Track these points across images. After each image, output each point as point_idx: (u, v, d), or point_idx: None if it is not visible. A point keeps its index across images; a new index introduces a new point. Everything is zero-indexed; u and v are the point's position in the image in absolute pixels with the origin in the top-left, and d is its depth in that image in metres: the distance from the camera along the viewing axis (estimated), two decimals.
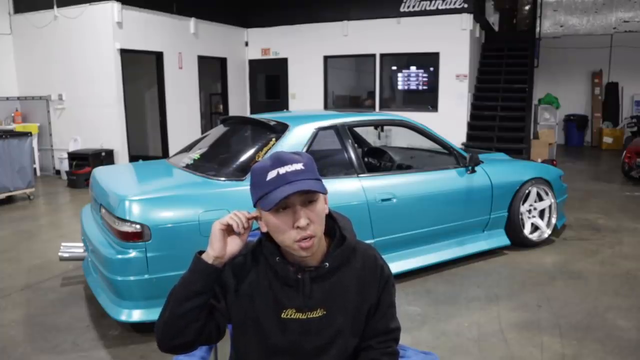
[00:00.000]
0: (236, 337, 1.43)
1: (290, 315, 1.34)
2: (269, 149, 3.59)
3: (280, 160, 1.24)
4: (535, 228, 4.84)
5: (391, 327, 1.44)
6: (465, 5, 9.69)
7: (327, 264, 1.33)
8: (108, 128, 8.55)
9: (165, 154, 9.18)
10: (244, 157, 3.71)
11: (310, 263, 1.33)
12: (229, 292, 1.36)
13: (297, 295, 1.33)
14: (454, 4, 9.74)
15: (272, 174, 1.22)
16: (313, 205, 1.25)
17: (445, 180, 4.23)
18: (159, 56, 9.25)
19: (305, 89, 11.25)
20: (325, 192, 1.26)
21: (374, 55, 10.63)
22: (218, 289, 1.35)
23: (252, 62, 11.80)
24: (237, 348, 1.45)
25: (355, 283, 1.38)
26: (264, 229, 1.31)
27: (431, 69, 10.35)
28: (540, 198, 4.82)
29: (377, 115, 6.25)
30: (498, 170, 4.59)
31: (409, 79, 10.76)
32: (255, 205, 1.30)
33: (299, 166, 1.23)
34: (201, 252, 1.31)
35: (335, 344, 1.37)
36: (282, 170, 1.21)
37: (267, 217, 1.26)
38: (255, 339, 1.37)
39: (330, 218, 1.37)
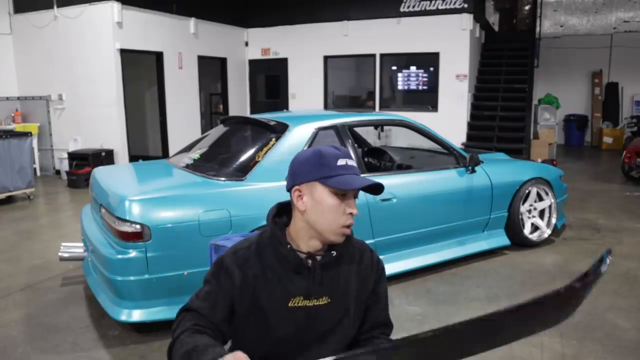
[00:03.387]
0: (238, 330, 1.43)
1: (298, 303, 1.37)
2: (269, 149, 3.59)
3: (346, 153, 1.38)
4: (535, 228, 4.84)
5: (389, 319, 1.53)
6: (465, 5, 9.69)
7: (334, 252, 1.39)
8: (108, 128, 8.55)
9: (165, 154, 9.18)
10: (244, 157, 3.71)
11: (318, 252, 1.40)
12: (234, 287, 1.37)
13: (306, 282, 1.37)
14: (454, 4, 9.74)
15: (342, 162, 1.34)
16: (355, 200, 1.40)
17: (445, 180, 4.23)
18: (159, 56, 9.25)
19: (305, 89, 11.25)
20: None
21: (374, 55, 10.63)
22: (228, 287, 1.39)
23: (252, 62, 11.79)
24: (238, 340, 1.46)
25: (355, 273, 1.44)
26: (303, 208, 1.35)
27: (431, 69, 10.35)
28: (540, 198, 4.82)
29: (377, 115, 6.25)
30: (498, 170, 4.59)
31: (409, 79, 10.76)
32: (304, 181, 1.34)
33: (355, 164, 1.39)
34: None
35: (338, 331, 1.41)
36: (350, 162, 1.36)
37: (325, 197, 1.33)
38: (259, 330, 1.38)
39: None
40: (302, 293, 1.37)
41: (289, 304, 1.36)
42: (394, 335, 1.96)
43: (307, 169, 1.35)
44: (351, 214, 1.34)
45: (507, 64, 11.03)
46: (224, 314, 1.37)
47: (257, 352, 1.39)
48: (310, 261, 1.37)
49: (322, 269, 1.38)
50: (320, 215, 1.34)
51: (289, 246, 1.37)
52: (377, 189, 1.38)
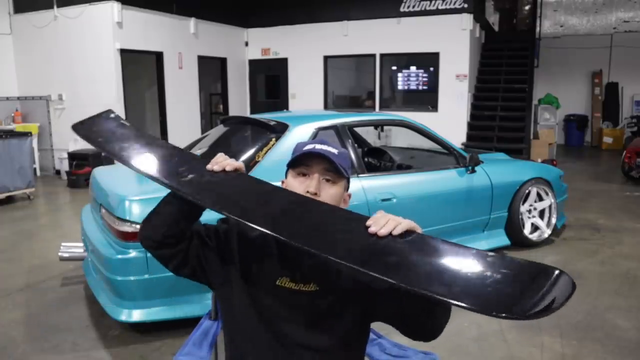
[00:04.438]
0: (229, 299, 1.43)
1: (284, 284, 1.37)
2: (269, 149, 3.58)
3: (322, 141, 1.42)
4: (535, 228, 4.84)
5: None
6: (465, 5, 9.69)
7: None
8: None
9: None
10: (244, 157, 3.70)
11: None
12: (228, 242, 1.42)
13: (293, 265, 1.39)
14: (454, 4, 9.75)
15: (309, 146, 1.39)
16: (330, 185, 1.38)
17: (445, 180, 4.23)
18: (159, 56, 9.26)
19: (305, 89, 11.25)
20: (344, 176, 1.40)
21: (374, 55, 10.64)
22: (222, 236, 1.43)
23: (252, 62, 11.80)
24: (226, 313, 1.46)
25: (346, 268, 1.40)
26: None
27: (431, 69, 10.35)
28: (540, 198, 4.82)
29: (377, 115, 6.25)
30: (498, 170, 4.59)
31: (409, 79, 10.76)
32: (286, 174, 1.44)
33: (334, 150, 1.39)
34: None
35: (325, 322, 1.37)
36: (319, 146, 1.38)
37: (290, 180, 1.40)
38: (244, 298, 1.39)
39: None
40: (288, 274, 1.37)
41: (277, 282, 1.37)
42: (396, 337, 1.96)
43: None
44: (308, 192, 1.35)
45: (507, 64, 11.03)
46: (206, 243, 1.40)
47: (241, 331, 1.40)
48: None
49: (310, 255, 1.33)
50: None
51: None
52: (327, 158, 1.35)
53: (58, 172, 8.94)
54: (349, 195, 1.45)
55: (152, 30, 9.01)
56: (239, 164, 1.36)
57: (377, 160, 4.88)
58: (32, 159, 7.31)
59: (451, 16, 9.80)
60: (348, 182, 1.43)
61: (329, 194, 1.37)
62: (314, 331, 1.37)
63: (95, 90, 8.48)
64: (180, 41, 9.64)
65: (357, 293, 1.38)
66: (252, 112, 11.60)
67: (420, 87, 10.71)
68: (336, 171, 1.37)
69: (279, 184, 1.47)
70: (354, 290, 1.38)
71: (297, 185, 1.37)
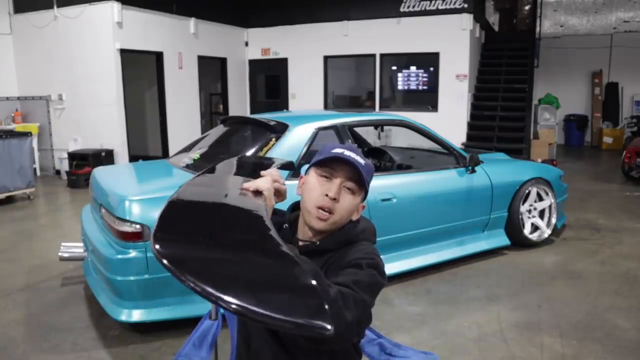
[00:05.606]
0: None
1: None
2: (269, 149, 3.58)
3: (351, 148, 1.40)
4: (535, 228, 4.84)
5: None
6: (465, 5, 9.69)
7: (317, 242, 1.38)
8: (108, 128, 8.55)
9: (165, 154, 9.18)
10: None
11: (309, 239, 1.40)
12: None
13: None
14: (454, 4, 9.75)
15: (338, 150, 1.37)
16: (349, 194, 1.38)
17: (445, 180, 4.23)
18: (159, 56, 9.25)
19: (305, 89, 11.25)
20: (364, 188, 1.39)
21: (374, 55, 10.63)
22: None
23: (252, 62, 11.80)
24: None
25: (329, 264, 1.40)
26: (299, 192, 1.42)
27: (431, 69, 10.35)
28: (540, 198, 4.82)
29: (377, 115, 6.25)
30: (498, 170, 4.59)
31: (409, 79, 10.76)
32: (307, 170, 1.44)
33: (361, 160, 1.38)
34: None
35: None
36: (348, 153, 1.36)
37: (310, 175, 1.40)
38: None
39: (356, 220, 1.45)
40: None
41: None
42: (396, 337, 1.97)
43: (312, 161, 1.44)
44: (327, 195, 1.34)
45: (507, 64, 11.03)
46: None
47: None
48: (297, 244, 1.40)
49: (307, 256, 1.31)
50: (305, 193, 1.39)
51: (285, 226, 1.43)
52: (354, 167, 1.34)
53: (58, 172, 8.94)
54: (363, 207, 1.46)
55: (152, 30, 9.00)
56: (262, 185, 1.29)
57: (377, 160, 4.88)
58: (32, 159, 7.31)
59: (451, 16, 9.79)
60: (366, 193, 1.43)
61: (346, 202, 1.37)
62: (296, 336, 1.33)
63: (95, 90, 8.48)
64: (180, 41, 9.64)
65: None
66: (252, 112, 11.60)
67: (420, 87, 10.70)
68: (359, 182, 1.37)
69: (293, 181, 1.47)
70: None
71: (317, 186, 1.37)
